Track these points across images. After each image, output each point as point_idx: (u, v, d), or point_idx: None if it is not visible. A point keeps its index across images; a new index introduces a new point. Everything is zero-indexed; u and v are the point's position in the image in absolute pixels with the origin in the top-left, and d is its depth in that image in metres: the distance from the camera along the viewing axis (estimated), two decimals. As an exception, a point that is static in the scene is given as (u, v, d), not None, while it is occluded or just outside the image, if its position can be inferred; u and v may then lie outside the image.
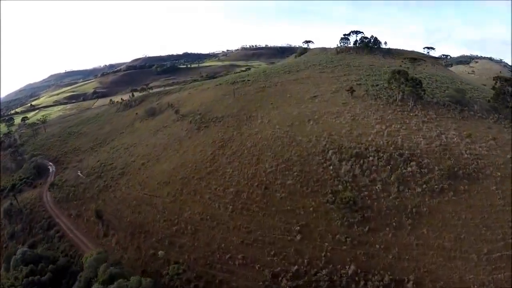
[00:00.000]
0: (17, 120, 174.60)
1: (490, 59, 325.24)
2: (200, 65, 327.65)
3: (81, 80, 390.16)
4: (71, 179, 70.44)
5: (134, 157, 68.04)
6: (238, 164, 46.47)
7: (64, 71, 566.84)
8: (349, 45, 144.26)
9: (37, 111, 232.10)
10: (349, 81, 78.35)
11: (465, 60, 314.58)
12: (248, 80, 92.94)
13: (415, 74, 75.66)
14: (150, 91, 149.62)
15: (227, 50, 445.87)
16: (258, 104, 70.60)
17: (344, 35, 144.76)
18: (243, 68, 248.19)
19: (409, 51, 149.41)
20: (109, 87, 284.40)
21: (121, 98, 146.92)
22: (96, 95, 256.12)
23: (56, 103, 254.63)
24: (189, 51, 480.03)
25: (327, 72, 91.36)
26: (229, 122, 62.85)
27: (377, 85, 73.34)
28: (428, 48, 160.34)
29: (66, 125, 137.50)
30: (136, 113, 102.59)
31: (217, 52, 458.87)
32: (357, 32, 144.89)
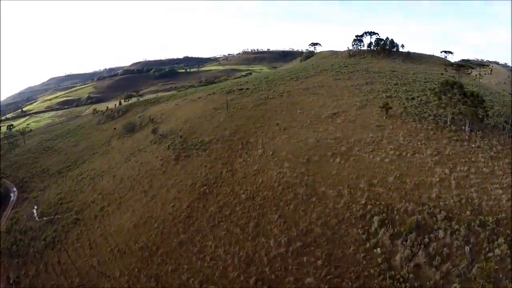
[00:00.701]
0: (4, 128, 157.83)
1: (496, 63, 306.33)
2: (200, 69, 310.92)
3: (80, 83, 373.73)
4: (23, 220, 53.90)
5: (96, 194, 51.08)
6: (226, 233, 29.25)
7: (64, 74, 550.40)
8: (362, 48, 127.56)
9: (27, 117, 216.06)
10: (374, 92, 61.15)
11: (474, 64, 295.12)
12: (247, 89, 75.79)
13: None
14: (141, 98, 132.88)
15: (228, 54, 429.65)
16: (258, 124, 53.48)
17: (357, 36, 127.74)
18: (244, 73, 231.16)
19: (428, 55, 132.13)
20: (105, 92, 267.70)
21: (107, 107, 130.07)
22: (90, 100, 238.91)
23: (48, 109, 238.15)
24: (189, 55, 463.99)
25: (344, 79, 74.19)
26: (217, 151, 45.62)
27: (413, 98, 56.10)
28: (445, 52, 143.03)
29: (46, 137, 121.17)
30: (115, 128, 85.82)
31: (218, 56, 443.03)
32: (371, 33, 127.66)
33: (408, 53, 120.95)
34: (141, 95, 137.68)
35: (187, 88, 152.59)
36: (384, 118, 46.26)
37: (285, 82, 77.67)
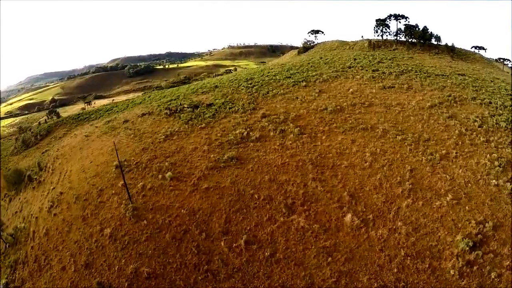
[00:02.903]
0: None
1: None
2: (180, 65, 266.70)
3: (55, 82, 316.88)
4: None
5: None
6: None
7: (42, 72, 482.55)
8: (387, 36, 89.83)
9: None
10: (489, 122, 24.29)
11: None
12: (210, 105, 36.54)
13: None
14: (93, 104, 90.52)
15: (213, 49, 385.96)
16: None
17: (379, 21, 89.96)
18: (230, 69, 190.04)
19: (469, 51, 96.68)
20: (72, 94, 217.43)
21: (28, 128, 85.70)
22: (53, 104, 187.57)
23: (7, 115, 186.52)
24: (172, 50, 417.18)
25: (401, 88, 36.87)
26: None
27: None
28: (477, 47, 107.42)
29: None
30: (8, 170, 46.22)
31: (202, 52, 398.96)
32: (398, 17, 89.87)
33: (452, 47, 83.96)
34: (89, 103, 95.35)
35: (130, 102, 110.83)
36: None
37: (285, 89, 39.17)
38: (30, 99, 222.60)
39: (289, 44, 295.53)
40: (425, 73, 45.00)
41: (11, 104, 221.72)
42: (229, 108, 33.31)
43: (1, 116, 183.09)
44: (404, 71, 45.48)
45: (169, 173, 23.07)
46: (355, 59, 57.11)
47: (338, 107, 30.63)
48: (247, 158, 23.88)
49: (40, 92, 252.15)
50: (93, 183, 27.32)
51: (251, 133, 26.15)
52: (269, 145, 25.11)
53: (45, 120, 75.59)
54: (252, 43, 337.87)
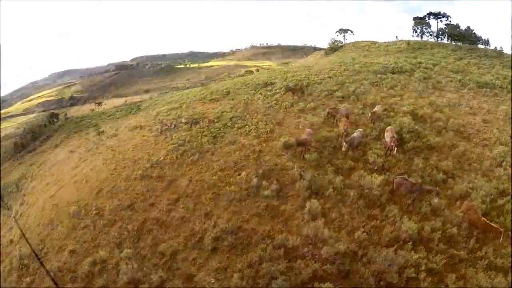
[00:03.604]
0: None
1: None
2: (202, 65, 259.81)
3: (76, 79, 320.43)
4: None
5: None
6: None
7: (66, 69, 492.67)
8: (427, 37, 76.94)
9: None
10: None
11: None
12: (218, 118, 27.34)
13: None
14: (104, 105, 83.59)
15: (236, 49, 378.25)
16: None
17: (418, 19, 77.46)
18: (251, 69, 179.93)
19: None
20: (92, 91, 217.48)
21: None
22: (72, 101, 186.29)
23: (26, 112, 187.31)
24: (195, 50, 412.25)
25: (469, 103, 26.47)
26: None
27: None
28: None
29: None
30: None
31: (225, 52, 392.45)
32: (438, 16, 77.46)
33: (501, 51, 70.45)
34: (100, 103, 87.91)
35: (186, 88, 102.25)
36: None
37: (315, 100, 28.75)
38: (50, 96, 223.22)
39: (313, 45, 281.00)
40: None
41: (30, 100, 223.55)
42: (238, 129, 23.98)
43: (19, 112, 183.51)
44: (466, 81, 34.45)
45: (129, 251, 14.38)
46: (396, 63, 46.13)
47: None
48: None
49: (61, 89, 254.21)
50: (41, 239, 19.06)
51: (264, 181, 16.68)
52: (296, 211, 15.57)
53: (45, 123, 69.10)
54: (275, 44, 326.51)
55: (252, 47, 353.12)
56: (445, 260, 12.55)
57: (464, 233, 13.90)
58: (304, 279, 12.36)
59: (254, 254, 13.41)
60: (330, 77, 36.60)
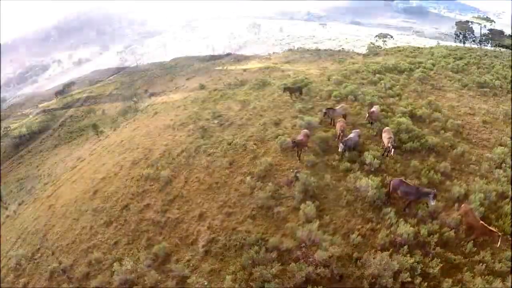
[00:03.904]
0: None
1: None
2: (238, 67, 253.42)
3: (116, 77, 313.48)
4: None
5: None
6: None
7: (106, 68, 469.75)
8: (468, 42, 73.46)
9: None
10: None
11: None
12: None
13: None
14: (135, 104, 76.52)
15: (273, 53, 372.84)
16: None
17: (460, 23, 74.65)
18: (288, 73, 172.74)
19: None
20: (130, 89, 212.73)
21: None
22: (109, 98, 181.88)
23: (65, 106, 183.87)
24: (233, 52, 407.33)
25: None
26: None
27: None
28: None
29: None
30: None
31: (262, 55, 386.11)
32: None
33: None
34: (136, 101, 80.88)
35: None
36: None
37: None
38: (91, 92, 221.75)
39: (351, 50, 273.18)
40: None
41: (71, 95, 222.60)
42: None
43: (60, 106, 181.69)
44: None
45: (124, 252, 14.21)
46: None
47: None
48: None
49: (102, 86, 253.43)
50: (38, 239, 18.87)
51: (258, 182, 16.38)
52: (290, 213, 15.32)
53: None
54: (313, 47, 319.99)
55: (289, 50, 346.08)
56: (441, 264, 12.27)
57: (461, 236, 13.62)
58: (298, 282, 12.13)
59: (247, 256, 13.18)
60: (369, 83, 34.39)
